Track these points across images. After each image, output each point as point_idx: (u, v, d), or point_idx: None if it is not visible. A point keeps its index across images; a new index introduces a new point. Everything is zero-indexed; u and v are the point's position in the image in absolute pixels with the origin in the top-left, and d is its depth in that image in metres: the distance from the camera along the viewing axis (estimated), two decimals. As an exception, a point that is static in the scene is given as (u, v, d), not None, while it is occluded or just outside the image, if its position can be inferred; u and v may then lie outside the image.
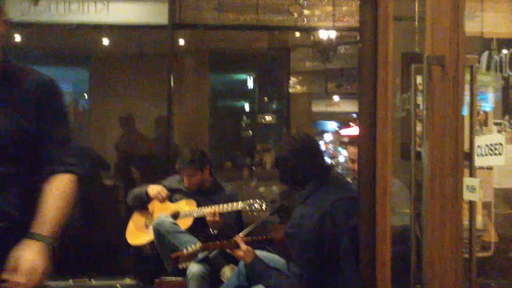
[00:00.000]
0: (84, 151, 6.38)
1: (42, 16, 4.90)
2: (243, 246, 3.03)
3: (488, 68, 1.80)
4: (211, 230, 3.82)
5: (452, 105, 1.75)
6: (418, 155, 2.76)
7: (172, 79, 5.04)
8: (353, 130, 15.23)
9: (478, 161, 1.68)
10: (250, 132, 9.32)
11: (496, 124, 2.12)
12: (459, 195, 1.71)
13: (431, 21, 1.88)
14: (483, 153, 1.63)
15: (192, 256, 3.41)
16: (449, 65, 1.77)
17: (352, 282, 2.63)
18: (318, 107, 9.95)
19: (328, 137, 16.42)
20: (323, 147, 15.57)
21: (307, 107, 8.43)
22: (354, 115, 13.21)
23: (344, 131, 15.69)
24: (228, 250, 3.14)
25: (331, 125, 15.09)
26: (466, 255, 1.80)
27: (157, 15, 4.94)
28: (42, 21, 4.94)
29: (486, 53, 1.78)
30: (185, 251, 3.33)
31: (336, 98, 10.31)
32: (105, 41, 6.74)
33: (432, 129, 1.81)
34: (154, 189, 4.13)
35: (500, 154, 1.53)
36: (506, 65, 1.66)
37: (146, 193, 4.16)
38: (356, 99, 10.63)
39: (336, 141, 16.31)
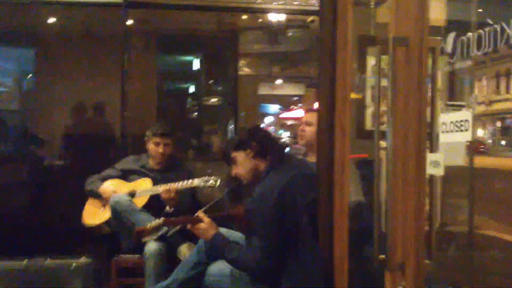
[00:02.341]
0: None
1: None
2: (206, 220, 3.04)
3: (454, 49, 1.85)
4: (167, 207, 3.80)
5: (416, 85, 1.80)
6: (371, 134, 2.83)
7: (125, 59, 4.91)
8: (294, 113, 15.42)
9: (444, 138, 1.73)
10: (197, 114, 9.26)
11: (448, 105, 2.19)
12: (422, 171, 1.77)
13: (395, 2, 1.91)
14: (449, 130, 1.68)
15: (154, 231, 3.40)
16: (413, 46, 1.81)
17: (311, 255, 2.68)
18: (262, 90, 9.98)
19: (269, 120, 16.56)
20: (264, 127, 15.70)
21: (254, 89, 8.44)
22: (296, 98, 13.35)
23: (285, 114, 15.84)
24: (189, 226, 3.13)
25: (273, 108, 15.19)
26: (426, 228, 1.86)
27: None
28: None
29: (452, 35, 1.83)
30: (148, 226, 3.32)
31: (279, 81, 10.37)
32: (53, 19, 6.51)
33: (396, 108, 1.85)
34: (106, 191, 4.04)
35: (466, 130, 1.58)
36: (473, 46, 1.72)
37: (98, 192, 4.08)
38: (299, 83, 10.74)
39: (277, 123, 16.48)
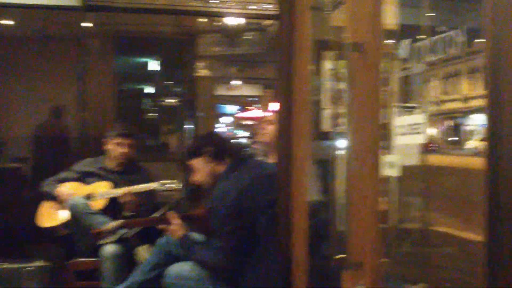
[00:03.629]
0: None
1: None
2: (175, 221, 3.02)
3: (411, 54, 1.88)
4: (126, 210, 3.74)
5: (372, 89, 1.82)
6: (327, 135, 2.86)
7: (83, 61, 4.83)
8: (250, 113, 15.49)
9: (400, 140, 1.76)
10: (155, 114, 9.18)
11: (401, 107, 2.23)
12: (377, 171, 1.79)
13: (351, 9, 1.93)
14: (404, 132, 1.71)
15: (112, 233, 3.35)
16: (369, 51, 1.83)
17: (271, 255, 2.69)
18: (219, 90, 9.99)
19: (226, 119, 16.56)
20: (222, 129, 15.71)
21: (211, 91, 8.43)
22: (252, 99, 13.41)
23: (241, 114, 15.88)
24: (162, 226, 3.10)
25: (230, 108, 15.21)
26: (384, 226, 1.89)
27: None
28: None
29: (407, 41, 1.86)
30: (106, 227, 3.27)
31: (236, 82, 10.40)
32: (9, 21, 6.35)
33: (353, 110, 1.87)
34: (62, 194, 3.94)
35: (420, 133, 1.61)
36: (427, 52, 1.75)
37: (54, 195, 3.98)
38: (255, 84, 10.77)
39: (235, 123, 16.49)
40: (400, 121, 1.72)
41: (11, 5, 4.66)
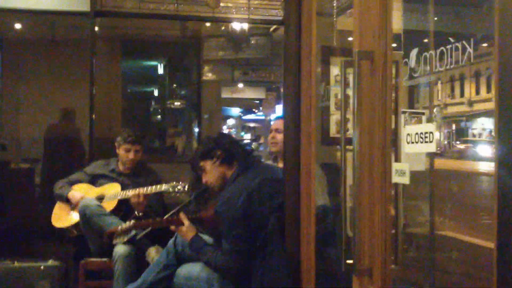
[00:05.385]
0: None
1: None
2: (186, 223, 3.00)
3: (418, 63, 1.85)
4: (136, 212, 3.72)
5: (380, 96, 1.79)
6: (335, 140, 2.83)
7: (93, 65, 4.81)
8: (254, 116, 15.47)
9: (408, 148, 1.73)
10: (161, 117, 9.17)
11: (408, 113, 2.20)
12: (387, 179, 1.76)
13: (359, 16, 1.90)
14: (413, 141, 1.68)
15: (124, 234, 3.33)
16: (377, 59, 1.80)
17: (278, 257, 2.66)
18: (224, 93, 9.96)
19: (231, 122, 16.53)
20: (227, 131, 15.68)
21: (217, 93, 8.41)
22: (257, 102, 13.37)
23: (247, 117, 15.87)
24: (172, 227, 3.07)
25: (235, 111, 15.17)
26: (392, 232, 1.86)
27: (77, 2, 4.68)
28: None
29: (415, 50, 1.83)
30: (119, 228, 3.25)
31: (241, 85, 10.37)
32: (19, 26, 6.35)
33: (361, 119, 1.84)
34: (75, 197, 3.92)
35: (430, 141, 1.58)
36: (436, 60, 1.72)
37: (67, 198, 3.96)
38: (259, 87, 10.75)
39: (239, 126, 16.47)
40: (409, 129, 1.68)
41: (22, 10, 4.66)
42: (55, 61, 6.72)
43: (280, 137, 3.55)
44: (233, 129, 15.83)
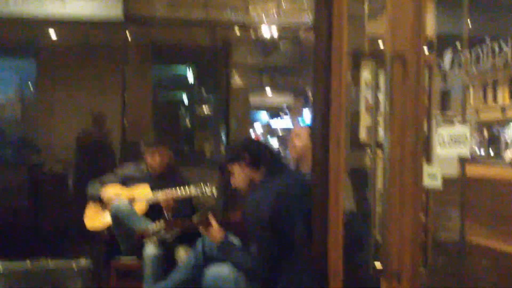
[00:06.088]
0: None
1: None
2: (215, 225, 2.98)
3: (452, 66, 1.80)
4: (165, 213, 3.73)
5: (413, 100, 1.75)
6: (365, 145, 2.78)
7: (125, 71, 4.86)
8: (283, 122, 15.42)
9: (441, 151, 1.68)
10: (190, 122, 9.21)
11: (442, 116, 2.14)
12: (418, 182, 1.72)
13: (391, 18, 1.86)
14: (446, 144, 1.63)
15: (155, 234, 3.34)
16: (410, 62, 1.76)
17: (305, 262, 2.62)
18: (252, 99, 9.96)
19: (258, 127, 16.53)
20: (253, 136, 15.67)
21: (245, 99, 8.40)
22: (284, 107, 13.35)
23: (275, 123, 15.83)
24: (201, 228, 3.06)
25: (263, 115, 15.16)
26: (422, 236, 1.81)
27: (109, 9, 4.74)
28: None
29: (449, 52, 1.78)
30: (151, 228, 3.26)
31: (268, 91, 10.37)
32: (53, 34, 6.45)
33: (393, 122, 1.80)
34: (107, 196, 3.94)
35: (465, 144, 1.53)
36: (472, 63, 1.67)
37: (99, 198, 3.99)
38: (287, 92, 10.70)
39: (267, 131, 16.45)
40: (442, 132, 1.63)
41: (56, 18, 4.74)
42: (88, 67, 6.81)
43: (299, 143, 3.50)
44: (260, 134, 15.81)
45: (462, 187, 2.06)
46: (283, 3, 4.56)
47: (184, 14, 4.71)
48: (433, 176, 1.64)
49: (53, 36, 6.51)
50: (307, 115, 8.79)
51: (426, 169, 1.69)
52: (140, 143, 4.11)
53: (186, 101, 9.36)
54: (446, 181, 1.88)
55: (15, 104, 7.51)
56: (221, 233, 2.98)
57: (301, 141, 3.46)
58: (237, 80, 7.74)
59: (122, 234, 3.72)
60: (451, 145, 1.61)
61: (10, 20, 5.16)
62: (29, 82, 7.57)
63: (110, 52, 5.99)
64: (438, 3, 2.13)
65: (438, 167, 1.66)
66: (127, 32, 5.11)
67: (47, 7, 4.63)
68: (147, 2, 4.70)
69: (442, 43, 2.05)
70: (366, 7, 2.75)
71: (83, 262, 3.98)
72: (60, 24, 5.82)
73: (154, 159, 4.00)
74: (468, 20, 2.11)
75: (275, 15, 4.55)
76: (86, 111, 6.46)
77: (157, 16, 4.72)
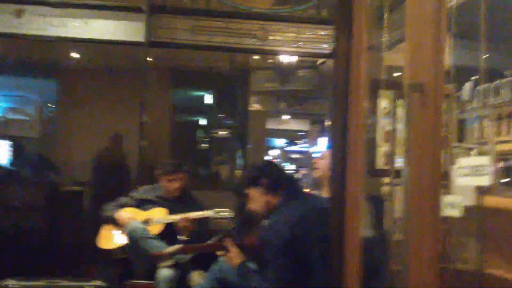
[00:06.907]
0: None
1: (23, 29, 4.73)
2: (234, 249, 2.97)
3: (471, 97, 1.82)
4: (181, 236, 3.75)
5: (431, 129, 1.76)
6: (382, 172, 2.78)
7: (145, 94, 4.94)
8: (298, 147, 15.45)
9: (461, 181, 1.69)
10: (208, 145, 9.26)
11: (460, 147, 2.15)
12: (437, 211, 1.72)
13: (411, 48, 1.88)
14: (466, 174, 1.64)
15: (169, 257, 3.35)
16: (429, 92, 1.78)
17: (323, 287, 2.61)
18: (269, 124, 10.01)
19: (274, 153, 16.52)
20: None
21: (262, 124, 8.45)
22: (300, 133, 13.37)
23: (291, 148, 15.84)
24: (220, 252, 3.06)
25: (279, 142, 15.17)
26: (441, 266, 1.81)
27: (132, 32, 4.84)
28: (23, 33, 4.76)
29: (469, 83, 1.80)
30: (166, 251, 3.28)
31: (286, 117, 10.40)
32: (75, 55, 6.58)
33: (411, 150, 1.81)
34: (122, 218, 3.97)
35: (485, 175, 1.54)
36: (491, 94, 1.69)
37: (114, 220, 4.01)
38: (304, 119, 10.73)
39: (283, 156, 16.44)
40: (463, 162, 1.64)
41: (78, 40, 4.85)
42: (108, 88, 6.92)
43: (321, 163, 3.51)
44: (277, 160, 15.81)
45: (480, 218, 2.05)
46: (303, 31, 4.63)
47: (205, 39, 4.79)
48: (451, 204, 1.65)
49: (75, 57, 6.65)
50: (323, 142, 8.78)
51: (445, 198, 1.70)
52: (157, 168, 4.14)
53: (204, 124, 9.43)
54: (465, 210, 1.88)
55: (36, 123, 7.63)
56: (239, 258, 2.96)
57: (324, 161, 3.48)
58: (254, 105, 7.80)
59: (137, 256, 3.73)
60: (471, 175, 1.62)
61: (33, 41, 5.28)
62: (50, 102, 7.69)
63: (130, 74, 6.08)
64: (457, 36, 2.15)
65: (457, 196, 1.66)
66: (148, 55, 5.20)
67: (69, 28, 4.74)
68: (169, 27, 4.79)
69: (462, 74, 2.07)
70: (384, 38, 2.78)
71: (97, 283, 4.00)
72: (82, 45, 5.95)
73: (171, 185, 4.02)
74: (486, 53, 2.14)
75: (295, 43, 4.61)
76: (105, 132, 6.55)
77: (178, 41, 4.80)
